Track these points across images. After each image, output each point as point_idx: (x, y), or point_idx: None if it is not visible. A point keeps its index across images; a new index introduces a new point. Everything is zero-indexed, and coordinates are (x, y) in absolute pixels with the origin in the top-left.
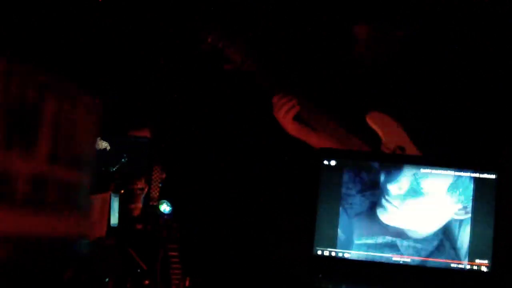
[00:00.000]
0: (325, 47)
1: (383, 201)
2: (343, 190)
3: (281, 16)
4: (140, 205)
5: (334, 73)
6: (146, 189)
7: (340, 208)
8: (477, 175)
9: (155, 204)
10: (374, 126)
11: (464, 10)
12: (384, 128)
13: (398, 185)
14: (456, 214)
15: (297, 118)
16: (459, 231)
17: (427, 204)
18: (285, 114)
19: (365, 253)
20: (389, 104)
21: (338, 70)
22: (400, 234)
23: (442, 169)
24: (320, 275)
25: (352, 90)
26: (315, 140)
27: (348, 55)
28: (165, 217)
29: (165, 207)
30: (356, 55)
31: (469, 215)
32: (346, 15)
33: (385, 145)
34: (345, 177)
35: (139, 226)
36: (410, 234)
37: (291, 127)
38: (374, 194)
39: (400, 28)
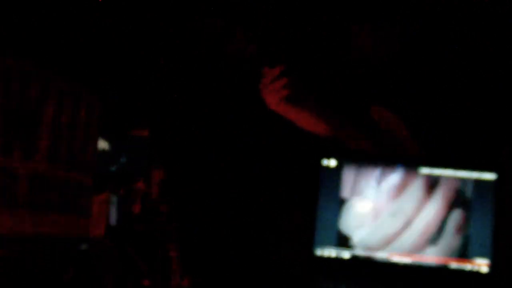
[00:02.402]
0: (325, 46)
1: (383, 201)
2: (343, 190)
3: (281, 14)
4: (139, 205)
5: (333, 73)
6: (145, 189)
7: (340, 208)
8: (477, 175)
9: (154, 204)
10: (377, 120)
11: (464, 10)
12: (387, 123)
13: (398, 185)
14: (456, 214)
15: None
16: (459, 231)
17: (427, 204)
18: (272, 93)
19: (365, 253)
20: (389, 104)
21: (337, 69)
22: (400, 233)
23: (442, 169)
24: (320, 275)
25: (352, 90)
26: (295, 117)
27: (348, 55)
28: (165, 217)
29: (164, 207)
30: (356, 54)
31: (469, 215)
32: (346, 13)
33: (386, 140)
34: (345, 177)
35: (138, 226)
36: (410, 233)
37: (274, 102)
38: (374, 194)
39: (400, 27)
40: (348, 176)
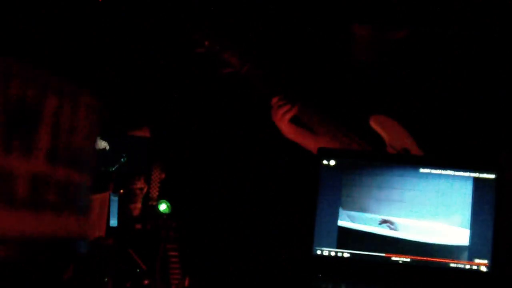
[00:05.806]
0: (324, 50)
1: (383, 201)
2: (343, 189)
3: (278, 19)
4: (139, 205)
5: (334, 76)
6: (145, 189)
7: (340, 208)
8: (476, 174)
9: (154, 203)
10: (377, 129)
11: (463, 10)
12: (388, 131)
13: (398, 185)
14: (455, 214)
15: (295, 121)
16: (458, 231)
17: (426, 204)
18: (281, 117)
19: (365, 253)
20: (389, 106)
21: (338, 73)
22: (400, 233)
23: (442, 169)
24: (320, 275)
25: (353, 93)
26: (312, 144)
27: (348, 58)
28: (165, 217)
29: (164, 207)
30: (356, 57)
31: (469, 214)
32: (345, 16)
33: (389, 147)
34: (345, 176)
35: (138, 226)
36: (409, 233)
37: (288, 130)
38: (373, 194)
39: (400, 29)
40: (347, 175)
